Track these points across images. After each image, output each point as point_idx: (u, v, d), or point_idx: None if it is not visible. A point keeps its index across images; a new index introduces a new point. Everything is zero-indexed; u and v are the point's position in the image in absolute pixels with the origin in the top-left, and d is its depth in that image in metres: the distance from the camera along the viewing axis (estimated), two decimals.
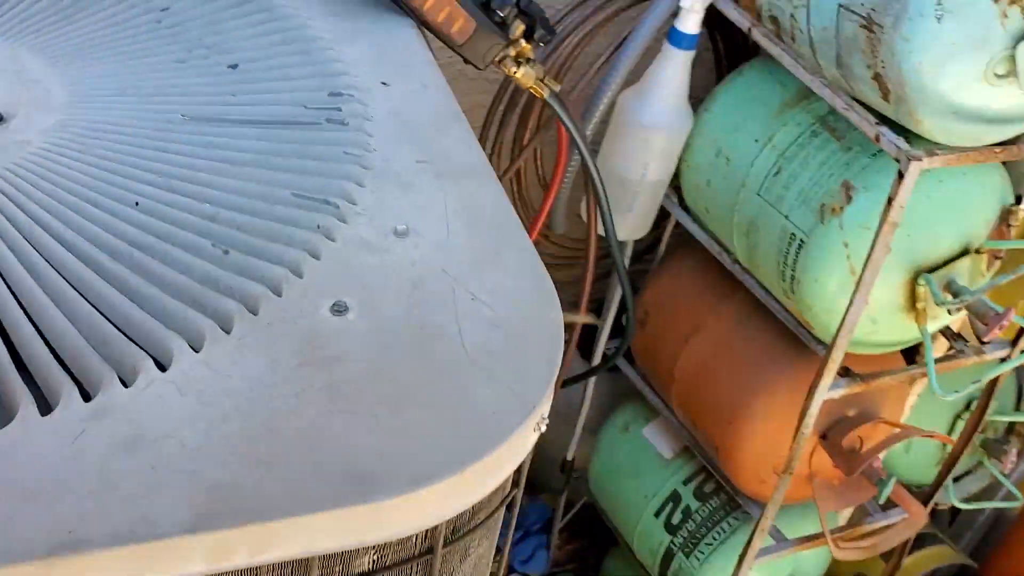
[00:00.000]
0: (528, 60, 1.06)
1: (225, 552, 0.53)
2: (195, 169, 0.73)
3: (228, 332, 0.61)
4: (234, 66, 0.87)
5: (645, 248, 1.61)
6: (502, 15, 0.99)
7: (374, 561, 0.61)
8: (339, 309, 0.65)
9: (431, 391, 0.62)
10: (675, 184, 1.42)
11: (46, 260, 0.64)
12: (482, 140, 1.43)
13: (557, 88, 1.11)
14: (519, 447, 0.62)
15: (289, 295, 0.65)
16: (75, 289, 0.62)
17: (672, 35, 1.27)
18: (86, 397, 0.57)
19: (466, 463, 0.58)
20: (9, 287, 0.62)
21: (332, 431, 0.58)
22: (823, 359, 1.24)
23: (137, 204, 0.69)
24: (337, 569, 0.60)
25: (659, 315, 1.53)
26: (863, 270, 1.16)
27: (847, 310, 1.18)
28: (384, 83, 0.87)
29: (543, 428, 0.64)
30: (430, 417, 0.61)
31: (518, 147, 1.44)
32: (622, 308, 1.50)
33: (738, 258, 1.38)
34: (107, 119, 0.77)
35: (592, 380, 1.64)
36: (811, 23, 1.17)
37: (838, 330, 1.20)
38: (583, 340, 1.58)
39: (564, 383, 1.40)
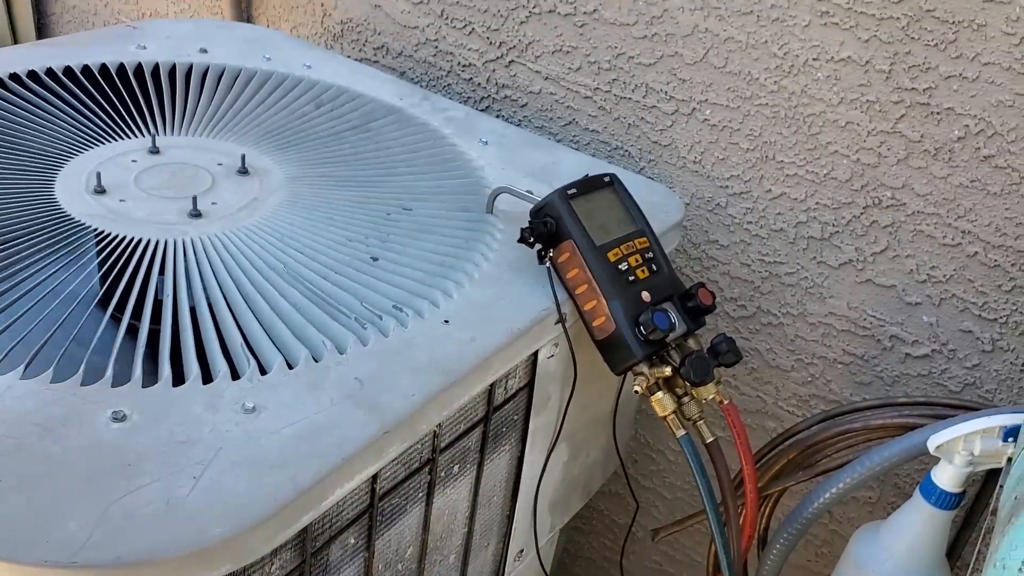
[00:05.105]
0: (680, 392, 0.97)
1: None
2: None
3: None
4: (375, 259, 0.98)
5: None
6: (644, 332, 0.93)
7: None
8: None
9: None
10: None
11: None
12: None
13: (708, 438, 0.99)
14: None
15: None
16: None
17: (925, 485, 1.00)
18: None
19: None
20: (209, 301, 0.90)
21: None
22: None
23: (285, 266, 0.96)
24: None
25: None
26: None
27: None
28: (446, 321, 0.89)
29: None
30: None
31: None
32: None
33: None
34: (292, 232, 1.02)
35: None
36: None
37: None
38: None
39: None
